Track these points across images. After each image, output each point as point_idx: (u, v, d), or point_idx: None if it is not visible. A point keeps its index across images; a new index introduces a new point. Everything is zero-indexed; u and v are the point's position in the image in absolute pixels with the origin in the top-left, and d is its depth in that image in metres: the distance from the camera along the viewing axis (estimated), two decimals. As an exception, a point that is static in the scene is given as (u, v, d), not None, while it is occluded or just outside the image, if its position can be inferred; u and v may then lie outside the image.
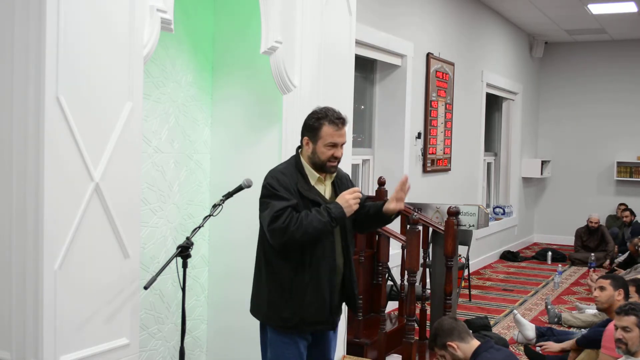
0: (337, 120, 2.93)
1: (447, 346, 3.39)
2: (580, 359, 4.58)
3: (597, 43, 11.09)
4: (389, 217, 3.06)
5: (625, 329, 3.51)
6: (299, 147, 3.06)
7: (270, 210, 2.83)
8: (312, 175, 2.98)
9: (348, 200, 2.87)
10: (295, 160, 3.02)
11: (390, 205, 3.00)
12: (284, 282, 2.92)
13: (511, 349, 5.39)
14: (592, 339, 4.49)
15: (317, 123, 2.93)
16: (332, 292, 2.98)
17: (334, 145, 2.92)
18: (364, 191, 6.47)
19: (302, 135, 3.00)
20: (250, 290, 3.91)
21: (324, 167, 2.95)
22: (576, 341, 4.84)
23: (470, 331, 4.78)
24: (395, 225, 5.22)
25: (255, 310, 3.07)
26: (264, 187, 2.93)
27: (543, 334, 5.48)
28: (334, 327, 3.08)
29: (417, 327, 4.67)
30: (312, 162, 2.97)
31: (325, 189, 3.03)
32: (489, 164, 10.05)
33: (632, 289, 4.62)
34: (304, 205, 2.89)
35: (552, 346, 5.02)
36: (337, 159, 2.96)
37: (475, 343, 3.40)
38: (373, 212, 3.07)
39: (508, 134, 10.40)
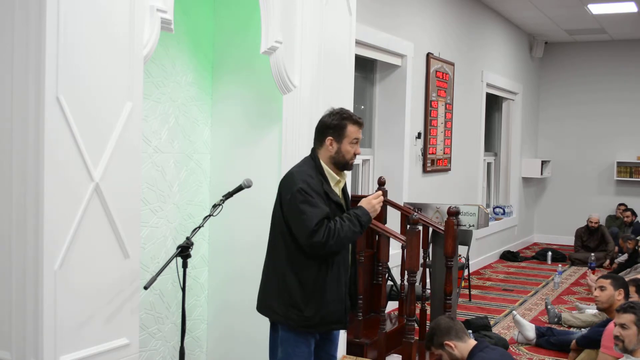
0: (359, 119, 3.05)
1: (444, 345, 3.39)
2: (580, 359, 4.58)
3: (597, 43, 11.09)
4: None
5: (622, 325, 3.56)
6: (314, 149, 3.08)
7: (309, 223, 2.83)
8: (333, 177, 3.03)
9: (374, 205, 2.99)
10: (314, 162, 3.02)
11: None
12: (307, 281, 2.94)
13: (511, 349, 5.39)
14: (592, 339, 4.50)
15: (342, 122, 2.99)
16: (346, 291, 3.06)
17: (356, 142, 3.02)
18: (364, 192, 6.47)
19: (324, 136, 3.01)
20: (250, 289, 3.92)
21: (347, 165, 3.04)
22: (576, 341, 4.85)
23: (470, 331, 4.81)
24: (395, 225, 5.23)
25: (268, 310, 3.05)
26: (298, 191, 2.88)
27: (543, 334, 5.48)
28: (345, 326, 3.11)
29: (417, 327, 4.67)
30: (334, 161, 3.01)
31: (338, 193, 3.07)
32: (489, 164, 10.04)
33: (632, 289, 4.62)
34: (330, 209, 2.93)
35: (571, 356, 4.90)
36: (356, 156, 3.08)
37: (472, 342, 3.40)
38: None
39: (508, 134, 10.40)
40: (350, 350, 4.44)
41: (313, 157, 3.05)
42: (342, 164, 3.02)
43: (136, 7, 2.84)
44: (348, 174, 3.64)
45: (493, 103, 10.00)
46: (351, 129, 2.99)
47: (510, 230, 10.31)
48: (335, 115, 3.01)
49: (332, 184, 3.01)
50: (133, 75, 2.84)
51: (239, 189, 3.15)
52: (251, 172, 3.59)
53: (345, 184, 3.19)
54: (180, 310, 2.94)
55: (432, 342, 3.47)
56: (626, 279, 4.98)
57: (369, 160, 6.63)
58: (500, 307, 6.82)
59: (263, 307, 3.08)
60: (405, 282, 4.67)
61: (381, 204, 3.02)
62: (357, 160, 6.38)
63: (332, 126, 3.00)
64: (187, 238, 2.88)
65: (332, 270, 2.96)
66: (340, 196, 3.08)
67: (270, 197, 3.82)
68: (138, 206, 2.94)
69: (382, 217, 5.05)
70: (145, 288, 2.73)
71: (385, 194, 5.20)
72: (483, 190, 9.41)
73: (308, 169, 2.99)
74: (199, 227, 2.98)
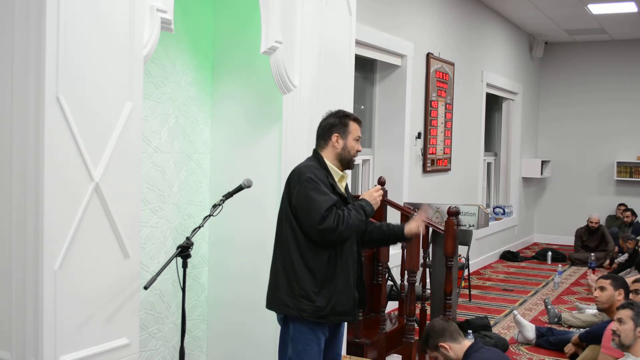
0: (358, 118, 3.21)
1: (439, 347, 3.40)
2: (584, 355, 4.59)
3: (597, 43, 11.09)
4: (406, 239, 3.38)
5: (620, 320, 3.63)
6: (316, 150, 3.17)
7: (319, 209, 2.91)
8: (337, 173, 3.13)
9: (376, 198, 3.12)
10: (317, 160, 3.12)
11: (413, 230, 3.25)
12: (318, 270, 3.00)
13: (511, 349, 5.40)
14: (596, 335, 4.50)
15: (344, 120, 3.14)
16: (354, 283, 3.13)
17: (359, 140, 3.16)
18: (364, 192, 6.47)
19: (330, 134, 3.12)
20: (250, 289, 3.92)
21: (351, 161, 3.16)
22: (579, 336, 4.89)
23: (470, 331, 4.82)
24: (395, 225, 5.23)
25: (280, 305, 3.07)
26: (306, 180, 2.98)
27: (543, 334, 5.49)
28: (355, 318, 3.20)
29: (417, 327, 4.67)
30: (340, 158, 3.13)
31: (342, 188, 3.16)
32: (489, 164, 10.04)
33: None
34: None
35: (569, 347, 5.10)
36: (358, 154, 3.21)
37: (466, 343, 3.41)
38: (388, 232, 3.30)
39: (508, 134, 10.40)
40: (350, 350, 4.43)
41: (316, 155, 3.15)
42: (347, 160, 3.14)
43: (136, 7, 2.84)
44: (348, 173, 3.65)
45: (493, 103, 10.00)
46: (353, 126, 3.14)
47: (510, 230, 10.31)
48: (336, 114, 3.17)
49: (336, 179, 3.11)
50: (133, 75, 2.84)
51: (239, 189, 3.16)
52: (251, 172, 3.59)
53: (347, 184, 3.27)
54: (180, 310, 2.94)
55: (427, 344, 3.49)
56: (626, 279, 4.99)
57: (369, 160, 6.63)
58: (500, 307, 6.82)
59: (274, 303, 3.10)
60: (405, 282, 4.67)
61: (381, 196, 3.14)
62: (357, 160, 6.38)
63: (336, 124, 3.13)
64: (187, 238, 2.88)
65: (341, 260, 3.03)
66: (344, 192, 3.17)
67: (270, 197, 3.84)
68: (138, 206, 2.94)
69: (382, 217, 5.06)
70: (145, 288, 2.73)
71: (385, 194, 5.20)
72: (483, 190, 9.41)
73: (314, 164, 3.10)
74: (199, 227, 2.98)
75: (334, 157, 3.12)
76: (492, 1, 8.71)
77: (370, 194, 3.12)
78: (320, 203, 2.92)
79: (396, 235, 3.30)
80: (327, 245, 2.99)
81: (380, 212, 5.00)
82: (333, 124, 3.13)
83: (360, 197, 3.13)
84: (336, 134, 3.11)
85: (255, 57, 3.76)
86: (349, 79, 4.36)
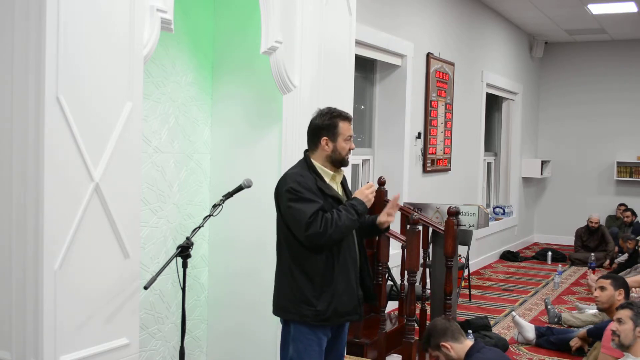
0: (347, 115, 3.11)
1: (440, 347, 3.40)
2: (595, 355, 4.59)
3: (597, 43, 11.09)
4: (381, 230, 3.26)
5: (619, 320, 3.66)
6: (307, 151, 3.13)
7: (303, 217, 2.89)
8: (327, 174, 3.08)
9: (367, 195, 3.06)
10: (306, 164, 3.08)
11: (382, 218, 3.17)
12: (316, 276, 2.98)
13: (511, 349, 5.39)
14: (603, 331, 4.50)
15: (333, 121, 3.06)
16: (356, 282, 3.10)
17: (350, 138, 3.09)
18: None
19: (318, 137, 3.06)
20: (250, 289, 3.93)
21: (343, 161, 3.10)
22: (587, 331, 4.90)
23: (470, 331, 4.82)
24: (395, 225, 5.22)
25: (283, 311, 3.08)
26: (287, 191, 2.95)
27: (543, 334, 5.49)
28: (361, 317, 3.17)
29: (417, 327, 4.67)
30: (331, 160, 3.07)
31: (337, 187, 3.12)
32: (489, 164, 10.04)
33: None
34: (326, 203, 2.98)
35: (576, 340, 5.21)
36: (351, 152, 3.15)
37: (468, 343, 3.41)
38: (366, 224, 3.21)
39: (508, 134, 10.40)
40: (350, 350, 4.44)
41: (305, 159, 3.11)
42: (339, 161, 3.08)
43: (136, 7, 2.84)
44: (348, 174, 3.65)
45: (493, 103, 10.00)
46: (343, 126, 3.06)
47: (510, 230, 10.31)
48: (325, 116, 3.08)
49: (327, 180, 3.07)
50: (133, 75, 2.84)
51: (239, 189, 3.16)
52: (251, 172, 3.59)
53: (345, 179, 3.23)
54: (180, 310, 2.94)
55: (428, 343, 3.49)
56: (626, 279, 4.99)
57: (369, 160, 6.63)
58: (500, 307, 6.82)
59: (277, 309, 3.11)
60: (405, 282, 4.67)
61: (374, 193, 3.09)
62: (357, 160, 6.39)
63: (324, 126, 3.06)
64: (187, 238, 2.88)
65: (338, 261, 3.00)
66: (340, 191, 3.13)
67: (270, 197, 3.81)
68: (138, 206, 2.94)
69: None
70: (145, 288, 2.73)
71: (385, 194, 5.20)
72: (483, 190, 9.41)
73: (300, 170, 3.05)
74: (199, 227, 2.98)
75: (325, 160, 3.07)
76: (492, 1, 8.71)
77: (362, 192, 3.07)
78: (304, 211, 2.89)
79: (371, 225, 3.21)
80: (321, 249, 2.97)
81: (380, 211, 5.00)
82: (321, 127, 3.05)
83: (353, 196, 3.10)
84: (325, 138, 3.04)
85: (255, 57, 3.76)
86: (349, 79, 4.36)
